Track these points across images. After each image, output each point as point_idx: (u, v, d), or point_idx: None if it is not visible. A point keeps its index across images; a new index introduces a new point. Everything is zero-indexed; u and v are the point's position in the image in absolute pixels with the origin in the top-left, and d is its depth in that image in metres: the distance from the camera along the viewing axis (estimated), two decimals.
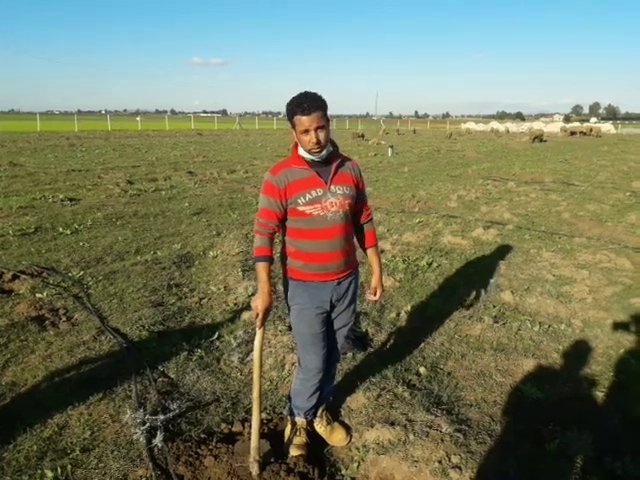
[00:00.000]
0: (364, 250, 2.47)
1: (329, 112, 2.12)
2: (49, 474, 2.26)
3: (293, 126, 2.09)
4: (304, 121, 2.03)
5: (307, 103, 2.02)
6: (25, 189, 9.88)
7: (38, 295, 4.34)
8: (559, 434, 2.59)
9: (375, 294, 2.48)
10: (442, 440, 2.45)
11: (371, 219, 2.44)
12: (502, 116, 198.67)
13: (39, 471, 2.28)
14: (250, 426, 2.32)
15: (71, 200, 8.80)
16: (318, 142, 2.05)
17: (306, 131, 2.04)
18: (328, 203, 2.14)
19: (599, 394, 3.04)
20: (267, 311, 2.17)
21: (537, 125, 56.05)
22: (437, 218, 7.90)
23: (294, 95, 2.08)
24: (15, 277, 4.71)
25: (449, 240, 6.49)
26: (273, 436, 2.54)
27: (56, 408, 2.73)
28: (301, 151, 2.15)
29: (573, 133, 42.72)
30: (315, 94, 2.07)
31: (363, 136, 31.17)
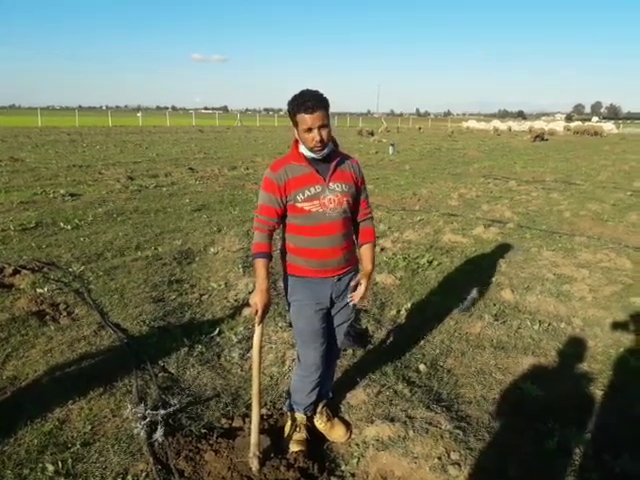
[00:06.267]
0: (360, 247, 2.42)
1: (330, 110, 2.12)
2: (50, 468, 2.27)
3: (295, 124, 2.09)
4: (308, 120, 2.03)
5: (311, 102, 2.02)
6: (26, 184, 9.87)
7: (39, 290, 4.34)
8: (558, 432, 2.60)
9: (356, 291, 2.34)
10: (441, 437, 2.46)
11: (371, 217, 2.42)
12: (504, 115, 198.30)
13: (40, 465, 2.29)
14: (250, 421, 2.33)
15: (72, 195, 8.80)
16: (321, 140, 2.07)
17: (309, 129, 2.05)
18: (326, 200, 2.15)
19: (598, 392, 3.04)
20: (266, 308, 2.17)
21: (539, 124, 55.91)
22: (438, 216, 7.89)
23: (296, 93, 2.08)
24: (16, 272, 4.71)
25: (450, 238, 6.50)
26: (273, 432, 2.55)
27: (57, 402, 2.74)
28: (302, 148, 2.15)
29: (577, 132, 42.45)
30: (317, 92, 2.07)
31: (373, 133, 30.10)
